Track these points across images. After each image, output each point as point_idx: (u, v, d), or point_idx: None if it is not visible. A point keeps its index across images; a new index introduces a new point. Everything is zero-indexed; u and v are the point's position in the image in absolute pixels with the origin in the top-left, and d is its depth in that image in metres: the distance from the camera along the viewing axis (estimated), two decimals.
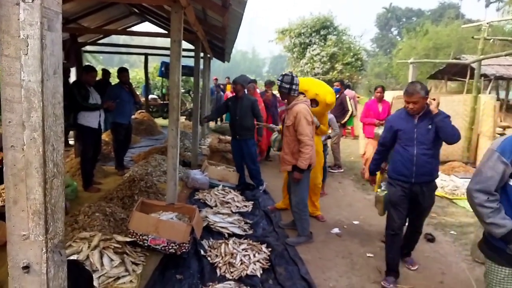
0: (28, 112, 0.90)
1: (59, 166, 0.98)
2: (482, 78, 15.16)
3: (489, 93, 14.91)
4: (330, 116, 5.72)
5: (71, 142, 7.76)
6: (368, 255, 3.80)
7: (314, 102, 4.34)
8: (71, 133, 7.62)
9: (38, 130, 0.92)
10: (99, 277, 2.77)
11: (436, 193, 6.70)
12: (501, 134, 9.39)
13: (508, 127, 10.65)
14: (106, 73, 7.86)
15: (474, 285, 3.31)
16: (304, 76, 18.01)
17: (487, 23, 7.54)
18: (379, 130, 5.08)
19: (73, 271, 1.82)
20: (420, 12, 61.86)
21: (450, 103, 7.84)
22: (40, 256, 0.96)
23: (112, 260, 2.93)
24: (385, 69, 34.04)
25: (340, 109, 7.55)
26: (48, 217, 0.96)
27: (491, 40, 7.58)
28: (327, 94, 4.49)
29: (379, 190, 3.73)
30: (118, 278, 2.85)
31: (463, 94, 8.51)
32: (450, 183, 6.11)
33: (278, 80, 4.05)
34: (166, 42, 6.42)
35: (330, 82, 16.68)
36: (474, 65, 13.05)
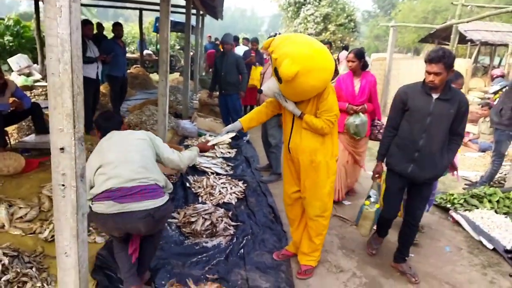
0: (62, 52, 1.47)
1: (80, 88, 1.57)
2: (469, 43, 15.53)
3: (475, 58, 15.35)
4: None
5: None
6: None
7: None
8: None
9: (68, 63, 1.48)
10: None
11: None
12: (482, 98, 9.91)
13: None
14: (100, 26, 8.20)
15: None
16: None
17: None
18: (355, 120, 3.83)
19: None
20: None
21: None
22: (71, 142, 1.57)
23: None
24: (384, 31, 33.87)
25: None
26: (75, 119, 1.56)
27: (469, 7, 7.95)
28: (294, 62, 2.30)
29: (368, 202, 2.99)
30: None
31: None
32: None
33: (271, 37, 4.47)
34: None
35: (322, 43, 16.73)
36: (461, 30, 13.43)
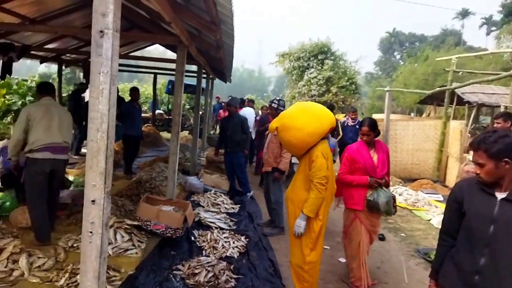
0: (100, 123, 1.87)
1: (112, 151, 1.94)
2: (467, 104, 16.20)
3: (474, 118, 15.91)
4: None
5: (84, 150, 8.80)
6: (325, 247, 4.70)
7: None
8: (85, 142, 8.67)
9: (105, 132, 1.88)
10: (113, 248, 3.71)
11: (399, 204, 7.56)
12: None
13: None
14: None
15: (404, 271, 4.21)
16: (301, 98, 19.14)
17: (456, 58, 8.57)
18: (380, 196, 3.41)
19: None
20: (423, 37, 63.77)
21: (422, 127, 8.83)
22: (101, 196, 1.91)
23: (123, 236, 3.87)
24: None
25: (332, 132, 8.33)
26: (106, 176, 1.92)
27: (460, 73, 8.60)
28: (277, 120, 3.12)
29: None
30: (127, 250, 3.78)
31: (434, 120, 9.47)
32: (414, 197, 7.01)
33: (274, 103, 4.98)
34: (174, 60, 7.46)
35: (325, 104, 17.67)
36: (458, 93, 14.15)
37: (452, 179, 8.16)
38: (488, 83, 15.37)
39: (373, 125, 3.55)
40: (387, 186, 3.58)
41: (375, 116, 10.59)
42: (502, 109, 12.92)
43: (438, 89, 10.59)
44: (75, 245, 3.67)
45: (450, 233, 2.07)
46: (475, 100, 15.06)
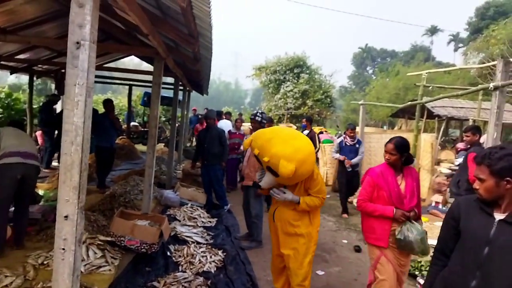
0: (75, 136, 1.82)
1: (86, 165, 1.89)
2: (436, 118, 16.83)
3: (444, 131, 16.54)
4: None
5: (55, 163, 8.51)
6: None
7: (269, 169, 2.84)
8: (56, 155, 8.40)
9: (80, 145, 1.83)
10: (85, 265, 3.57)
11: None
12: (452, 170, 10.63)
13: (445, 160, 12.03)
14: None
15: None
16: (278, 111, 19.35)
17: (426, 73, 8.92)
18: (413, 232, 2.84)
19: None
20: (394, 53, 66.12)
21: None
22: (74, 211, 1.85)
23: (95, 253, 3.74)
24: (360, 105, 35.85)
25: None
26: (80, 191, 1.86)
27: (430, 87, 8.95)
28: (289, 161, 2.65)
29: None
30: (100, 267, 3.65)
31: (406, 133, 9.77)
32: None
33: (258, 116, 4.91)
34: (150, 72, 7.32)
35: (301, 117, 18.11)
36: (428, 107, 14.72)
37: (424, 191, 8.38)
38: (457, 97, 16.09)
39: (402, 146, 2.94)
40: (417, 219, 2.96)
41: None
42: (470, 123, 13.54)
43: (409, 103, 11.00)
44: (45, 262, 3.51)
45: (445, 252, 1.99)
46: (444, 113, 15.72)
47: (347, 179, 6.92)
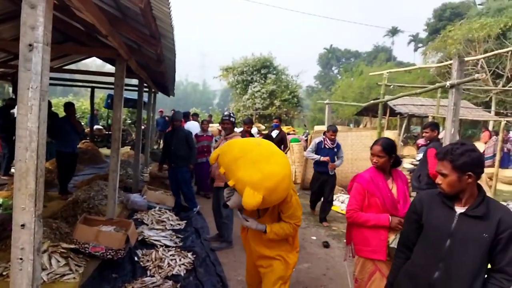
0: (30, 142, 1.75)
1: (42, 171, 1.83)
2: (398, 115, 17.50)
3: (406, 128, 17.21)
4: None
5: (14, 170, 8.13)
6: None
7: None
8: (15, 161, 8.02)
9: (34, 151, 1.76)
10: (48, 273, 3.44)
11: (336, 208, 7.80)
12: (414, 165, 11.10)
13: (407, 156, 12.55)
14: (48, 104, 8.41)
15: (348, 276, 4.37)
16: (246, 112, 19.41)
17: (387, 72, 9.24)
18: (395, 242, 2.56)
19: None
20: (358, 53, 67.96)
21: (360, 137, 9.34)
22: (31, 219, 1.78)
23: (58, 261, 3.61)
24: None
25: (279, 146, 7.51)
26: (36, 198, 1.79)
27: (391, 86, 9.27)
28: (255, 190, 2.19)
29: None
30: (64, 275, 3.53)
31: (370, 130, 10.08)
32: None
33: (232, 117, 4.91)
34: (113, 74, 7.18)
35: (269, 117, 18.31)
36: (390, 105, 15.26)
37: None
38: (417, 96, 16.79)
39: (389, 147, 2.72)
40: None
41: (317, 128, 11.04)
42: (430, 119, 14.18)
43: (372, 101, 11.45)
44: (4, 273, 3.35)
45: (407, 246, 2.05)
46: (405, 111, 16.37)
47: (321, 183, 6.55)
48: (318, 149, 6.52)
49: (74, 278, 3.55)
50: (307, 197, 7.49)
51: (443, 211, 1.88)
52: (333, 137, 6.45)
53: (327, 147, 6.47)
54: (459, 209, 1.85)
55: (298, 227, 2.53)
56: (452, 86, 5.01)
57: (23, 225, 1.78)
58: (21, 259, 1.78)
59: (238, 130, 7.57)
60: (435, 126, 5.53)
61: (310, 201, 7.22)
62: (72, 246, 3.86)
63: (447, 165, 1.82)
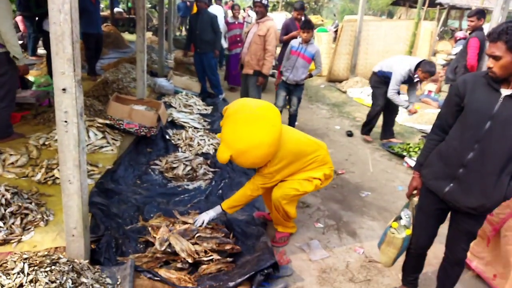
0: (62, 3, 1.68)
1: (78, 36, 1.79)
2: (438, 6, 15.97)
3: (444, 21, 15.87)
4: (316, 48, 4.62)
5: (41, 51, 8.17)
6: None
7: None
8: (41, 42, 8.01)
9: (68, 14, 1.70)
10: (87, 145, 3.69)
11: (361, 101, 7.74)
12: (446, 60, 10.50)
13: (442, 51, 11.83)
14: None
15: (369, 161, 4.53)
16: None
17: None
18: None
19: None
20: None
21: (394, 28, 8.72)
22: (72, 83, 1.82)
23: (96, 134, 3.83)
24: None
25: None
26: (75, 63, 1.80)
27: None
28: (226, 147, 2.42)
29: (396, 225, 2.25)
30: (102, 147, 3.78)
31: (406, 21, 9.34)
32: None
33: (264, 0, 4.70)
34: None
35: (294, 4, 16.79)
36: None
37: None
38: None
39: None
40: None
41: (347, 17, 10.22)
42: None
43: None
44: (46, 143, 3.60)
45: (443, 128, 2.01)
46: (446, 1, 14.83)
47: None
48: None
49: (112, 150, 3.80)
50: (333, 89, 7.38)
51: (487, 93, 1.80)
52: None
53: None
54: (505, 92, 1.75)
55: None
56: None
57: (64, 89, 1.82)
58: (66, 121, 1.86)
59: (283, 16, 6.88)
60: (481, 14, 5.06)
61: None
62: (108, 122, 4.04)
63: (501, 46, 1.67)
